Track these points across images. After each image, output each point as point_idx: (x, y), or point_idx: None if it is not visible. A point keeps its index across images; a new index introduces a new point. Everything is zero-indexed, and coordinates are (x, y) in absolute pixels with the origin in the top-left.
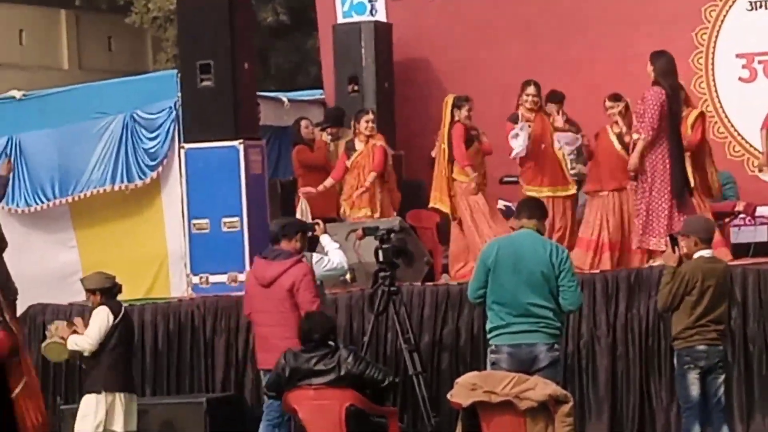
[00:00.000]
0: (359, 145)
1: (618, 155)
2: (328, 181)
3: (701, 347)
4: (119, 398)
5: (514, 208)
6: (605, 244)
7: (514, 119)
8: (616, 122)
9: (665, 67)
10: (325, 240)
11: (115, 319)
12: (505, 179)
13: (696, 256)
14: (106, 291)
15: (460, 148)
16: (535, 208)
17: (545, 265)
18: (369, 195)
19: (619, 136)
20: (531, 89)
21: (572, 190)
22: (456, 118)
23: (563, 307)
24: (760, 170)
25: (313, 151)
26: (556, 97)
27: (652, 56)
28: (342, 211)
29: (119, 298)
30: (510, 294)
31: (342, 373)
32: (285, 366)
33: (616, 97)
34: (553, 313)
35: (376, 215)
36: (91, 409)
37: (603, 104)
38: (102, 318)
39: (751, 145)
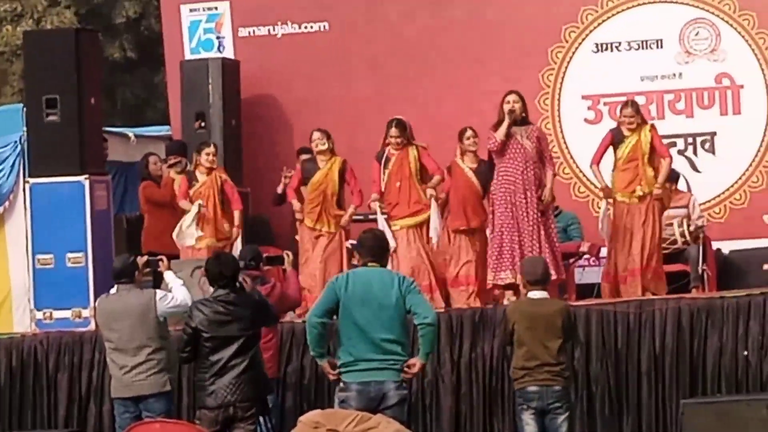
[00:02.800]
0: (201, 177)
1: (477, 192)
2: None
3: (532, 388)
4: None
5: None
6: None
7: (380, 156)
8: (470, 152)
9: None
10: (169, 276)
11: None
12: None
13: (528, 296)
14: None
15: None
16: (378, 249)
17: (395, 296)
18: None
19: (475, 171)
20: (394, 131)
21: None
22: None
23: (423, 324)
24: (607, 199)
25: (160, 188)
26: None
27: (519, 94)
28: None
29: None
30: (359, 329)
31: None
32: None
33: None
34: (402, 348)
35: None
36: None
37: (460, 136)
38: None
39: (596, 186)
